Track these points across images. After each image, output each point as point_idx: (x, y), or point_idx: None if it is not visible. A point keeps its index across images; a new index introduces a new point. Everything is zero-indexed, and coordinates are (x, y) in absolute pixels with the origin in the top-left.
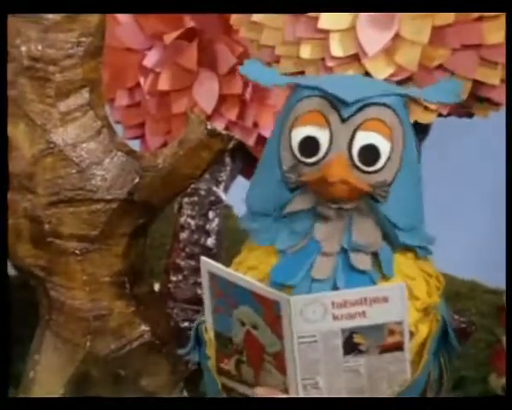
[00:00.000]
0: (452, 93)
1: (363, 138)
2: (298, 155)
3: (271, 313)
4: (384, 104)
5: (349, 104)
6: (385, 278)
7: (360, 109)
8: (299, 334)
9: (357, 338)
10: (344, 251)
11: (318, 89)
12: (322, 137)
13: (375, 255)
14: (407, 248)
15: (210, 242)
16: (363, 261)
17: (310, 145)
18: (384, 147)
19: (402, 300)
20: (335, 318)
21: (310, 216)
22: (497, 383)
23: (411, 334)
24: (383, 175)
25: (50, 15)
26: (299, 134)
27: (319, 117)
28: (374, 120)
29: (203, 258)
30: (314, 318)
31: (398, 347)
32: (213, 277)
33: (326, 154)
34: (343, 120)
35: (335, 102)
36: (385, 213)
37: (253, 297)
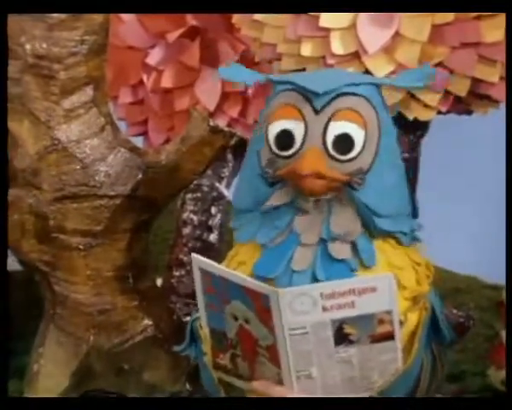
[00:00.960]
0: (423, 77)
1: (336, 128)
2: (274, 148)
3: (262, 307)
4: (355, 94)
5: (320, 95)
6: (364, 266)
7: (332, 100)
8: (289, 326)
9: (347, 329)
10: (323, 242)
11: (290, 83)
12: (297, 129)
13: (353, 245)
14: (394, 237)
15: (212, 237)
16: (341, 251)
17: (285, 139)
18: (358, 135)
19: (390, 289)
20: (325, 309)
21: (290, 210)
22: (496, 376)
23: (401, 323)
24: (358, 163)
25: (54, 14)
26: (274, 128)
27: (293, 110)
28: (346, 109)
29: (194, 255)
30: (303, 310)
31: (389, 336)
32: (205, 273)
33: (301, 146)
34: (316, 112)
35: (307, 95)
36: (363, 201)
37: (243, 292)
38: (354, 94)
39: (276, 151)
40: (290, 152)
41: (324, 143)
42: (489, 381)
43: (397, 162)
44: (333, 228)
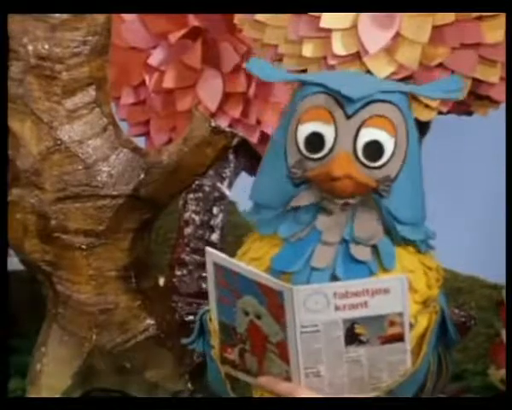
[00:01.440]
0: (454, 90)
1: (367, 134)
2: (303, 150)
3: (275, 303)
4: (388, 101)
5: (354, 101)
6: (384, 270)
7: (365, 106)
8: (301, 324)
9: (358, 329)
10: (345, 242)
11: (324, 86)
12: (328, 133)
13: (375, 247)
14: (409, 242)
15: (214, 237)
16: (362, 252)
17: (315, 141)
18: (388, 143)
19: (403, 291)
20: (337, 308)
21: (314, 208)
22: (496, 375)
23: (411, 326)
24: (387, 170)
25: (57, 14)
26: (304, 130)
27: (325, 113)
28: (378, 116)
29: (208, 249)
30: (316, 308)
31: (399, 338)
32: (218, 267)
33: (331, 149)
34: (348, 117)
35: (340, 99)
36: (387, 208)
37: (256, 287)
38: (386, 101)
39: (306, 153)
40: (320, 155)
41: (354, 148)
42: (489, 380)
43: (419, 170)
44: (356, 232)
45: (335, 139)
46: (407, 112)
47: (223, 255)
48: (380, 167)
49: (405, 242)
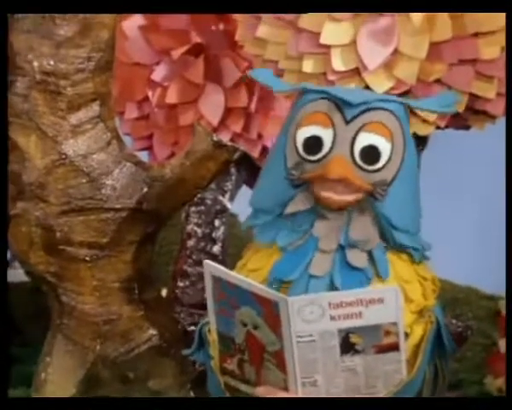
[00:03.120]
0: (449, 104)
1: (364, 139)
2: (302, 152)
3: (271, 314)
4: (386, 109)
5: (353, 106)
6: (379, 277)
7: (363, 112)
8: (297, 333)
9: (353, 338)
10: (341, 248)
11: (325, 92)
12: (326, 136)
13: (370, 254)
14: (404, 252)
15: (216, 249)
16: (359, 259)
17: (314, 144)
18: (385, 148)
19: (397, 302)
20: (332, 318)
21: (311, 214)
22: (493, 384)
23: (406, 335)
24: (383, 175)
25: (62, 31)
26: (304, 133)
27: (324, 118)
28: (376, 122)
29: (206, 261)
30: (312, 318)
31: (394, 347)
32: (216, 279)
33: (329, 152)
34: (347, 122)
35: (340, 104)
36: (383, 212)
37: (253, 298)
38: (384, 109)
39: (304, 155)
40: (318, 157)
41: (352, 152)
42: (486, 389)
43: (415, 179)
44: (352, 235)
45: (333, 143)
46: (404, 121)
47: (220, 267)
48: (376, 171)
49: (400, 247)
